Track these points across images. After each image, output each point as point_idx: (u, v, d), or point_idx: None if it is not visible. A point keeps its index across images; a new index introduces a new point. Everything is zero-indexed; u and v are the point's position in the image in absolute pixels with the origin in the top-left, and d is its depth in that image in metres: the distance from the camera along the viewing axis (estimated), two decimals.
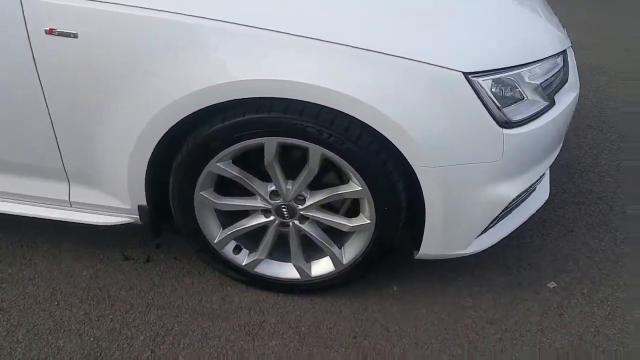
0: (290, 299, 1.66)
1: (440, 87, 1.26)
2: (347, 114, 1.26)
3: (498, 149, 1.34)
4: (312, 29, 1.22)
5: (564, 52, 1.53)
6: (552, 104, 1.45)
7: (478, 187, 1.39)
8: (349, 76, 1.23)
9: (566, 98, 1.52)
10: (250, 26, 1.22)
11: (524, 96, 1.36)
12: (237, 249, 1.62)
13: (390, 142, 1.29)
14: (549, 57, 1.44)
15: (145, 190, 1.48)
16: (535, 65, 1.38)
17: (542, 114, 1.41)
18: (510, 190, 1.45)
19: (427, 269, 1.77)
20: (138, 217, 1.57)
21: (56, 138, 1.41)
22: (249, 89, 1.24)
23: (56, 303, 1.62)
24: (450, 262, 1.75)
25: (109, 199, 1.54)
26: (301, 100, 1.26)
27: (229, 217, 1.58)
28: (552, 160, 1.62)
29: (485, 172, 1.37)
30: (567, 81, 1.53)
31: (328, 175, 1.50)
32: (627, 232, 1.98)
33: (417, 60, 1.24)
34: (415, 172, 1.33)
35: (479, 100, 1.28)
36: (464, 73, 1.26)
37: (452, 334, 1.59)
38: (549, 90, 1.44)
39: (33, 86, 1.31)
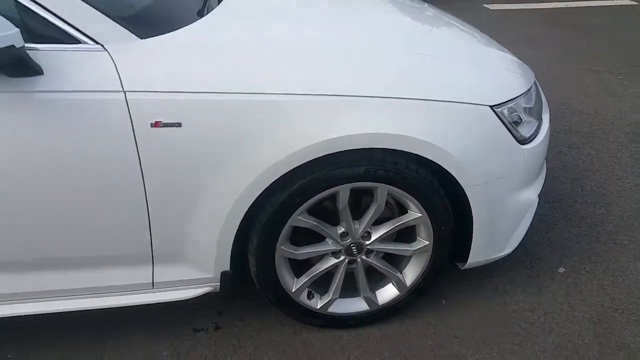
0: (362, 331, 1.83)
1: (475, 119, 1.57)
2: (405, 152, 1.53)
3: (520, 162, 1.68)
4: (374, 89, 1.49)
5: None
6: (540, 121, 1.83)
7: (510, 195, 1.70)
8: (411, 122, 1.50)
9: (545, 116, 1.91)
10: (325, 94, 1.46)
11: (522, 119, 1.71)
12: (310, 295, 1.78)
13: (444, 169, 1.57)
14: (531, 85, 1.82)
15: (231, 256, 1.61)
16: (527, 94, 1.75)
17: (539, 130, 1.78)
18: (531, 193, 1.79)
19: (461, 281, 2.02)
20: (218, 284, 1.68)
21: (150, 224, 1.51)
22: (333, 145, 1.46)
23: None
24: (479, 270, 2.02)
25: (193, 272, 1.64)
26: (370, 149, 1.51)
27: (297, 266, 1.74)
28: (545, 167, 1.99)
29: (514, 182, 1.69)
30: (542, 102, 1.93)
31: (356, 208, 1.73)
32: (597, 215, 2.40)
33: (457, 102, 1.55)
34: (465, 191, 1.61)
35: (503, 126, 1.61)
36: (490, 106, 1.59)
37: (507, 327, 1.84)
38: (535, 111, 1.81)
39: (134, 177, 1.42)
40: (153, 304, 1.65)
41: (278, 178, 1.48)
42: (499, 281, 2.05)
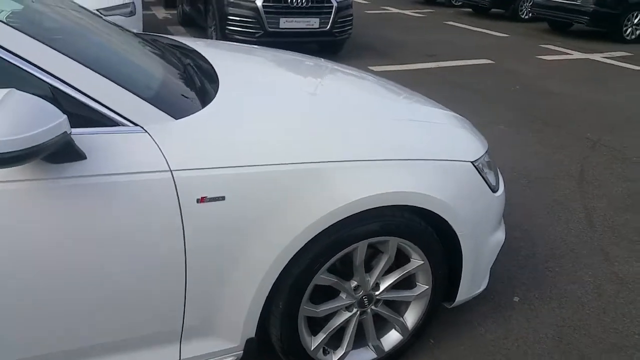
0: None
1: (462, 174, 1.83)
2: (411, 207, 1.73)
3: (495, 207, 1.96)
4: (386, 153, 1.68)
5: None
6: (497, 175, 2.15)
7: (488, 237, 1.97)
8: (419, 180, 1.71)
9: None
10: (347, 160, 1.62)
11: (486, 172, 2.02)
12: (325, 351, 1.86)
13: (442, 220, 1.79)
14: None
15: (258, 322, 1.66)
16: (486, 151, 2.07)
17: (498, 179, 2.10)
18: (501, 234, 2.08)
19: (436, 320, 2.23)
20: (241, 352, 1.70)
21: (185, 300, 1.52)
22: (357, 206, 1.61)
23: None
24: (447, 310, 2.24)
25: (220, 343, 1.65)
26: (383, 206, 1.69)
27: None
28: None
29: (491, 225, 1.97)
30: None
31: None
32: (528, 249, 2.79)
33: (450, 160, 1.80)
34: (458, 237, 1.84)
35: (482, 178, 1.89)
36: (471, 162, 1.86)
37: (491, 355, 2.08)
38: (492, 164, 2.14)
39: (177, 254, 1.44)
40: None
41: (309, 240, 1.59)
42: (470, 316, 2.29)
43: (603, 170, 3.88)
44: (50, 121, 1.17)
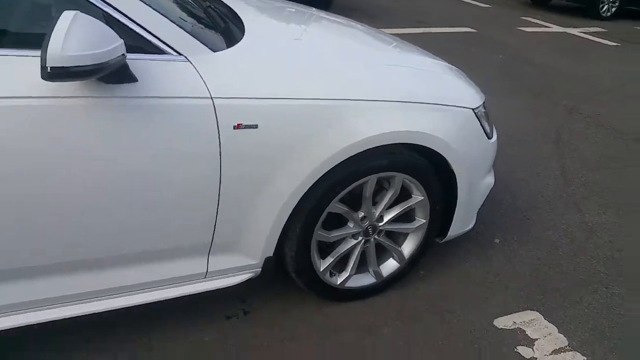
0: (371, 300, 2.16)
1: (464, 120, 2.02)
2: (418, 146, 1.91)
3: (489, 152, 2.17)
4: (398, 95, 1.86)
5: None
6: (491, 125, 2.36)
7: (480, 180, 2.19)
8: (426, 121, 1.89)
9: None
10: (366, 100, 1.78)
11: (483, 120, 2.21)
12: (330, 274, 2.07)
13: (443, 159, 1.99)
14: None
15: (277, 241, 1.84)
16: (483, 102, 2.27)
17: (493, 128, 2.30)
18: (491, 179, 2.30)
19: (426, 255, 2.46)
20: (259, 270, 1.89)
21: (217, 216, 1.69)
22: (371, 141, 1.79)
23: None
24: (438, 246, 2.47)
25: (242, 259, 1.83)
26: (392, 144, 1.87)
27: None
28: None
29: (484, 168, 2.18)
30: None
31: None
32: (509, 199, 3.04)
33: (453, 106, 1.98)
34: (456, 177, 2.05)
35: (480, 125, 2.09)
36: (472, 109, 2.06)
37: (477, 286, 2.33)
38: (488, 114, 2.34)
39: (213, 174, 1.59)
40: (190, 294, 1.79)
41: (327, 171, 1.76)
42: (456, 253, 2.53)
43: (578, 135, 4.15)
44: (111, 43, 1.30)
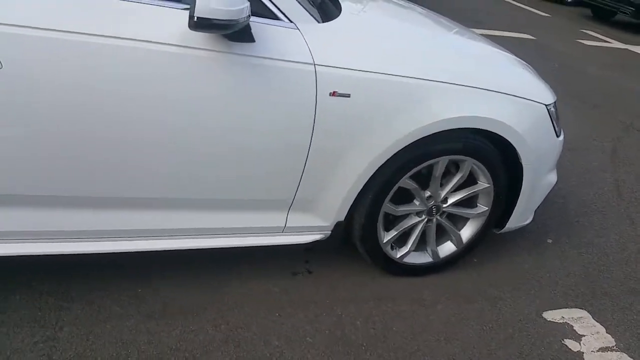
0: (427, 278, 2.27)
1: (537, 114, 2.10)
2: (491, 133, 2.00)
3: (555, 149, 2.24)
4: (481, 82, 1.94)
5: None
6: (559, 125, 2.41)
7: (543, 176, 2.26)
8: (503, 110, 1.98)
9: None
10: (449, 83, 1.88)
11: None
12: (391, 247, 2.18)
13: (513, 150, 2.06)
14: None
15: (349, 208, 1.96)
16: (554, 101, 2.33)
17: (561, 130, 2.37)
18: (554, 176, 2.36)
19: (480, 246, 2.55)
20: (329, 232, 2.02)
21: (302, 175, 1.82)
22: (449, 123, 1.88)
23: (277, 314, 1.94)
24: (490, 238, 2.55)
25: (316, 220, 1.96)
26: (467, 129, 1.96)
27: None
28: None
29: (549, 165, 2.25)
30: None
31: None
32: (560, 204, 3.09)
33: (529, 99, 2.06)
34: (523, 169, 2.12)
35: (551, 121, 2.16)
36: (545, 105, 2.13)
37: (527, 279, 2.40)
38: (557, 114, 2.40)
39: (305, 135, 1.72)
40: (264, 247, 1.93)
41: (405, 146, 1.87)
42: (509, 247, 2.61)
43: (634, 151, 4.14)
44: (242, 3, 1.44)
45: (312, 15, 1.72)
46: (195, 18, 1.35)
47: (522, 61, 2.43)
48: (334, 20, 1.81)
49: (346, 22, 1.85)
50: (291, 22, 1.66)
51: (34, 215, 1.59)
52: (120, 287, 1.93)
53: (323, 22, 1.77)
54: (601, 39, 8.59)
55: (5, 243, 1.58)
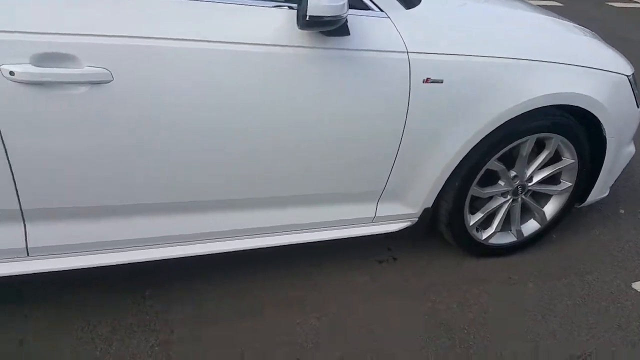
0: (511, 257, 2.26)
1: (619, 86, 2.05)
2: (576, 108, 1.96)
3: (636, 120, 2.20)
4: (568, 58, 1.90)
5: None
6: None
7: (624, 146, 2.22)
8: (589, 85, 1.94)
9: None
10: (541, 61, 1.84)
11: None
12: (476, 229, 2.17)
13: (598, 125, 2.03)
14: None
15: (437, 194, 1.95)
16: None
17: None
18: (632, 148, 2.32)
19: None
20: (416, 219, 2.02)
21: (393, 165, 1.81)
22: (539, 101, 1.85)
23: (371, 303, 1.95)
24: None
25: (405, 208, 1.96)
26: (552, 106, 1.92)
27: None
28: None
29: (629, 136, 2.21)
30: None
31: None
32: (630, 172, 3.04)
33: (611, 72, 2.02)
34: (607, 141, 2.09)
35: (632, 92, 2.11)
36: (626, 76, 2.08)
37: (607, 251, 2.38)
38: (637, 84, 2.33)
39: (399, 124, 1.71)
40: (346, 238, 1.93)
41: (496, 128, 1.85)
42: (585, 221, 2.58)
43: None
44: None
45: (399, 1, 1.70)
46: (307, 17, 1.34)
47: (595, 34, 2.38)
48: (418, 6, 1.78)
49: (429, 6, 1.82)
50: (382, 10, 1.64)
51: (154, 223, 1.61)
52: (216, 286, 1.95)
53: (407, 8, 1.74)
54: (631, 0, 8.36)
55: (134, 250, 1.62)
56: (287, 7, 1.52)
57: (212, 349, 1.70)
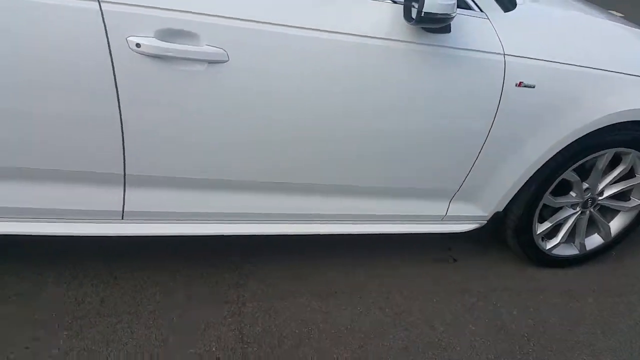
0: (570, 270, 2.26)
1: None
2: None
3: None
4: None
5: None
6: None
7: None
8: None
9: None
10: (625, 74, 1.83)
11: None
12: (542, 239, 2.17)
13: None
14: None
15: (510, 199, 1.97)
16: None
17: None
18: None
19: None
20: (484, 222, 2.03)
21: (472, 166, 1.83)
22: (623, 115, 1.84)
23: (434, 300, 1.98)
24: None
25: (476, 210, 1.98)
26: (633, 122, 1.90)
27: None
28: None
29: None
30: None
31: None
32: None
33: None
34: None
35: None
36: None
37: None
38: None
39: (486, 125, 1.72)
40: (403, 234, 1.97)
41: (579, 138, 1.85)
42: None
43: None
44: None
45: (498, 3, 1.71)
46: (423, 13, 1.36)
47: None
48: (514, 10, 1.79)
49: (524, 11, 1.82)
50: (482, 11, 1.66)
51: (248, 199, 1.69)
52: (287, 266, 2.01)
53: (505, 11, 1.75)
54: None
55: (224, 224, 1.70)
56: (390, 1, 1.55)
57: (282, 325, 1.76)
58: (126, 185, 1.55)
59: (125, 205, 1.58)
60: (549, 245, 2.18)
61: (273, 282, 1.93)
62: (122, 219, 1.62)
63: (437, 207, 1.95)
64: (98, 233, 1.61)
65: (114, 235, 1.62)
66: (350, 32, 1.50)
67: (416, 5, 1.41)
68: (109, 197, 1.56)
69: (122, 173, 1.52)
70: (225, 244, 2.04)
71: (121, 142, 1.45)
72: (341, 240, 1.98)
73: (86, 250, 1.92)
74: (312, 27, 1.46)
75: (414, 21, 1.41)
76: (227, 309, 1.78)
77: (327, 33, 1.48)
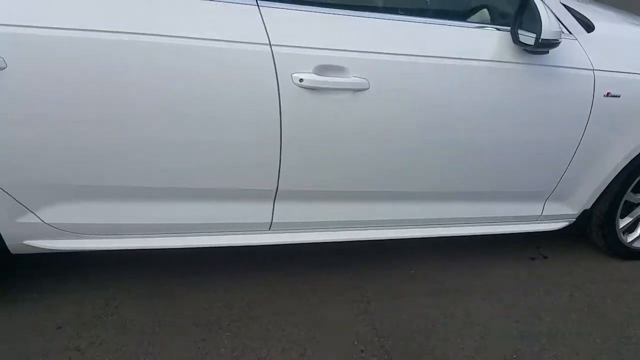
0: None
1: None
2: None
3: None
4: None
5: None
6: None
7: None
8: None
9: None
10: None
11: None
12: (623, 233, 2.36)
13: None
14: None
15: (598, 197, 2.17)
16: None
17: None
18: None
19: None
20: (573, 220, 2.24)
21: (567, 168, 2.04)
22: None
23: (535, 294, 2.18)
24: None
25: (566, 209, 2.19)
26: None
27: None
28: None
29: None
30: None
31: None
32: None
33: None
34: None
35: None
36: None
37: None
38: None
39: (577, 135, 1.95)
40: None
41: None
42: None
43: None
44: (559, 25, 1.68)
45: (582, 27, 1.95)
46: (541, 40, 1.61)
47: None
48: (595, 31, 2.02)
49: (604, 31, 2.06)
50: (571, 33, 1.89)
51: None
52: (398, 268, 2.23)
53: (588, 32, 1.99)
54: None
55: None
56: (493, 29, 1.79)
57: (407, 320, 1.96)
58: (276, 199, 1.79)
59: (274, 217, 1.82)
60: (630, 238, 2.37)
61: (389, 283, 2.14)
62: (269, 230, 1.85)
63: (534, 208, 2.16)
64: (247, 243, 1.84)
65: (261, 244, 1.85)
66: (476, 58, 1.75)
67: (526, 33, 1.66)
68: (261, 211, 1.80)
69: (275, 188, 1.75)
70: (336, 252, 2.26)
71: (278, 162, 1.69)
72: (438, 244, 2.18)
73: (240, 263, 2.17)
74: (437, 55, 1.71)
75: (532, 46, 1.65)
76: (355, 307, 2.00)
77: (449, 59, 1.73)
